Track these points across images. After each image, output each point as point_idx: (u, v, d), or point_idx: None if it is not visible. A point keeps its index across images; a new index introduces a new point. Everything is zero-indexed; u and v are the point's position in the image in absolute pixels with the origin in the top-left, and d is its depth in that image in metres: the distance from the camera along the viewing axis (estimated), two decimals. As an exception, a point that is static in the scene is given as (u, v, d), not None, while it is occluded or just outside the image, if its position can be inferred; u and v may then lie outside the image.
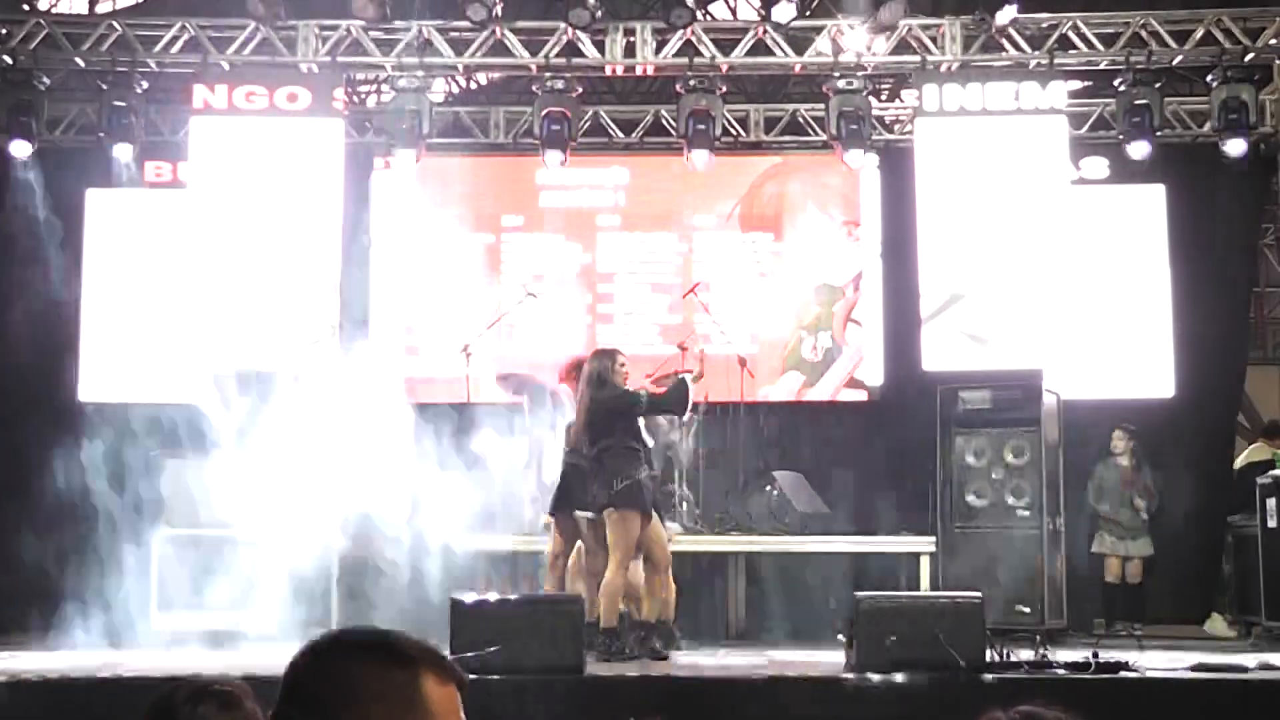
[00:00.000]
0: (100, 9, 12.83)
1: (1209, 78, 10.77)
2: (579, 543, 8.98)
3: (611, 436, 8.34)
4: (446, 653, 1.93)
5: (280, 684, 1.86)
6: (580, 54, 10.99)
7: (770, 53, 11.01)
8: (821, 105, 11.32)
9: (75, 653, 8.55)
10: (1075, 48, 10.91)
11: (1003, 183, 10.89)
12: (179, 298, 11.04)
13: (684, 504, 10.31)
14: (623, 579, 8.24)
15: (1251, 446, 11.46)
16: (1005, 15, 10.57)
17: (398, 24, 10.89)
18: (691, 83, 10.85)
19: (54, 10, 12.87)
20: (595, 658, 7.94)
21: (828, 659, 8.12)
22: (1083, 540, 10.81)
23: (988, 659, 7.30)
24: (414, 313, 12.07)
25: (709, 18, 12.63)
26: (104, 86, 10.82)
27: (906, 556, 10.45)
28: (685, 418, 9.44)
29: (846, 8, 10.93)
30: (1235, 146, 10.66)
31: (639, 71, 11.46)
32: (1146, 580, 10.84)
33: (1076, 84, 11.73)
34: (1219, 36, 10.75)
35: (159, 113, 11.50)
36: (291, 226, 10.93)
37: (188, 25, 10.94)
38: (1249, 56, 10.78)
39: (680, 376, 8.93)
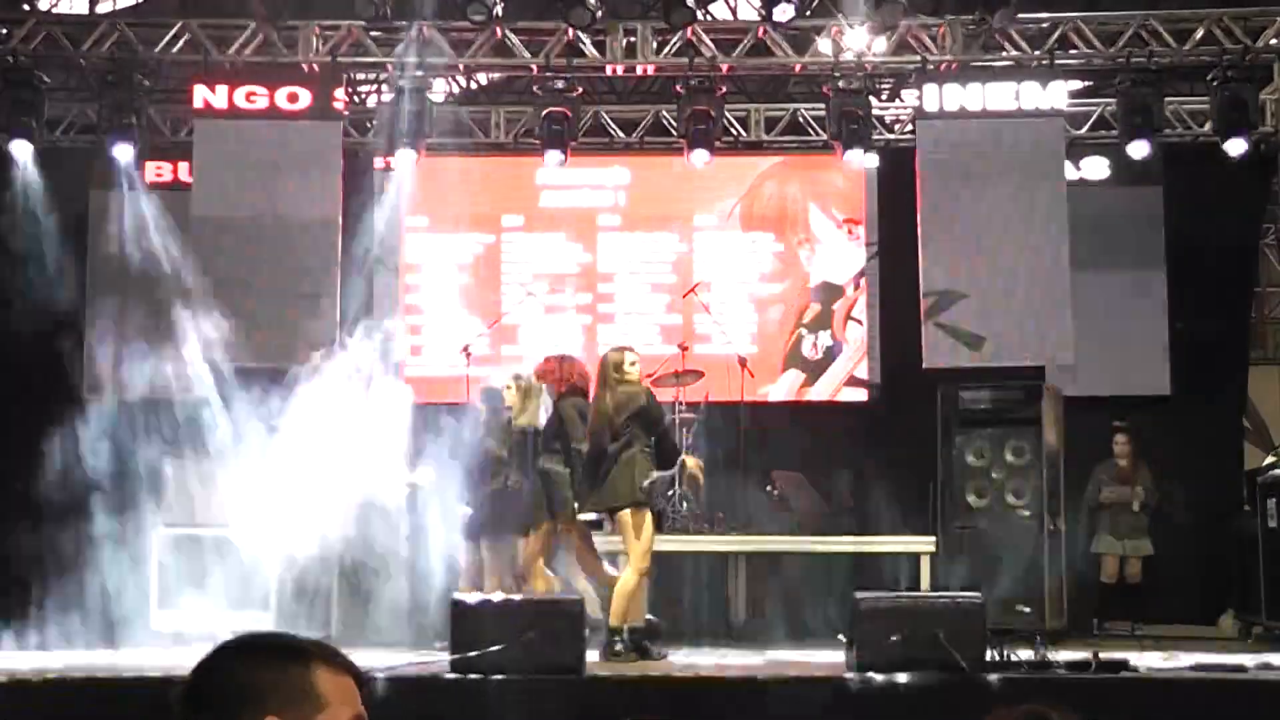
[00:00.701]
0: (100, 9, 12.81)
1: (1209, 77, 10.76)
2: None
3: (633, 436, 8.35)
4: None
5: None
6: (581, 54, 10.98)
7: (770, 53, 11.00)
8: (822, 105, 11.32)
9: (74, 652, 8.55)
10: (1075, 47, 10.90)
11: (1003, 182, 10.87)
12: (180, 296, 11.03)
13: (684, 504, 10.30)
14: (638, 580, 8.25)
15: None
16: (1005, 15, 10.54)
17: (398, 23, 10.87)
18: (692, 83, 10.85)
19: (54, 10, 12.85)
20: (603, 656, 7.98)
21: (828, 659, 8.13)
22: (1083, 540, 10.81)
23: (988, 659, 7.30)
24: (414, 313, 12.08)
25: (709, 18, 12.61)
26: (104, 86, 10.81)
27: (906, 556, 10.44)
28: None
29: (847, 8, 10.92)
30: (1235, 146, 10.65)
31: (639, 71, 11.45)
32: (1146, 580, 10.86)
33: (1076, 84, 11.72)
34: (1219, 36, 10.74)
35: (159, 113, 11.50)
36: (291, 226, 10.91)
37: (188, 25, 10.94)
38: (1249, 56, 10.77)
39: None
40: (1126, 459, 10.88)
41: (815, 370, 12.08)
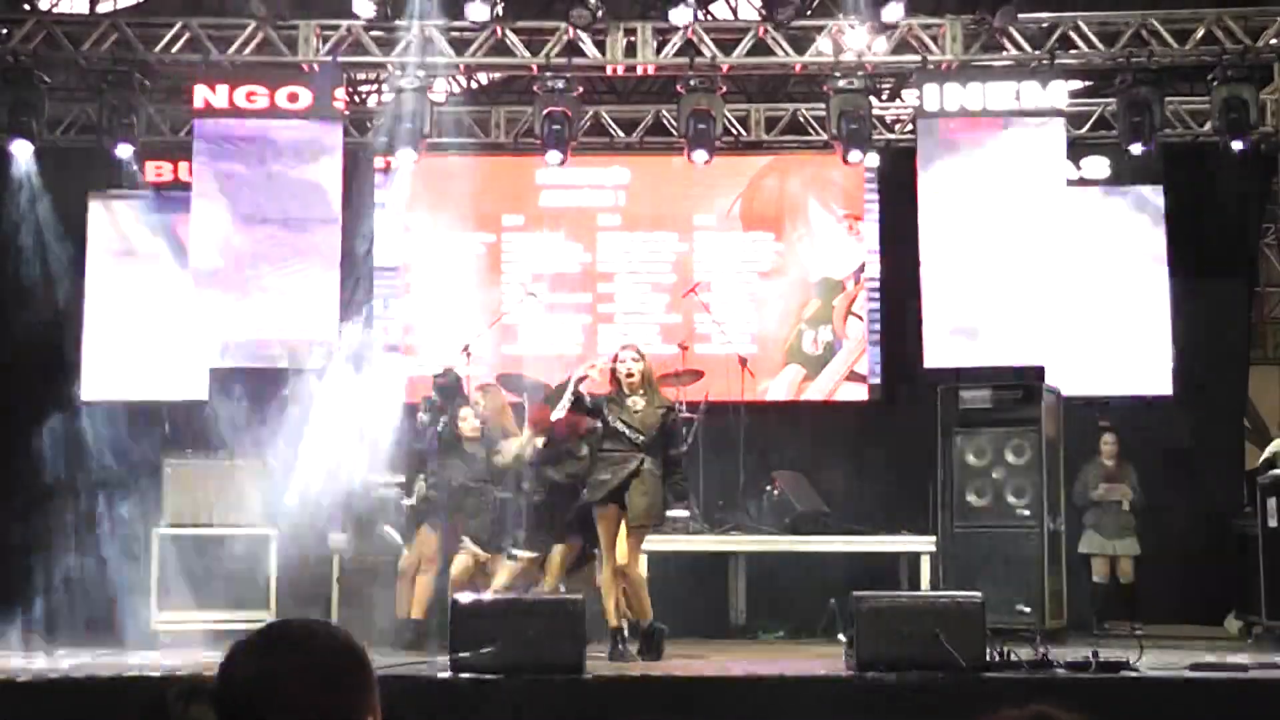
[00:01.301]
0: (101, 8, 12.81)
1: (1209, 77, 10.77)
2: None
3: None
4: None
5: (253, 685, 1.85)
6: (581, 53, 10.99)
7: (770, 52, 11.00)
8: (822, 105, 11.32)
9: (75, 652, 8.55)
10: (1076, 47, 10.90)
11: (1003, 182, 10.87)
12: (180, 296, 11.05)
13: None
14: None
15: (1275, 441, 11.44)
16: (1006, 15, 10.54)
17: (398, 23, 10.88)
18: (692, 82, 10.85)
19: (54, 10, 12.86)
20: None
21: (828, 659, 8.13)
22: (1076, 540, 10.83)
23: (988, 659, 7.30)
24: (414, 312, 12.07)
25: (709, 17, 12.62)
26: (104, 86, 10.81)
27: (906, 556, 10.44)
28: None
29: (847, 7, 10.91)
30: (1237, 144, 10.64)
31: (639, 71, 11.45)
32: (1145, 580, 10.86)
33: (1077, 83, 11.73)
34: (1219, 36, 10.74)
35: (159, 112, 11.50)
36: (291, 225, 10.91)
37: (188, 25, 10.93)
38: (1249, 56, 10.77)
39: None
40: (1113, 459, 10.91)
41: (816, 365, 12.07)
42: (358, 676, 1.87)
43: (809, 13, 11.66)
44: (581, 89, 11.06)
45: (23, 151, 10.86)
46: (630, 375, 8.44)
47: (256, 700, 1.83)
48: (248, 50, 10.91)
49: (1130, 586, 10.84)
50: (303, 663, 1.87)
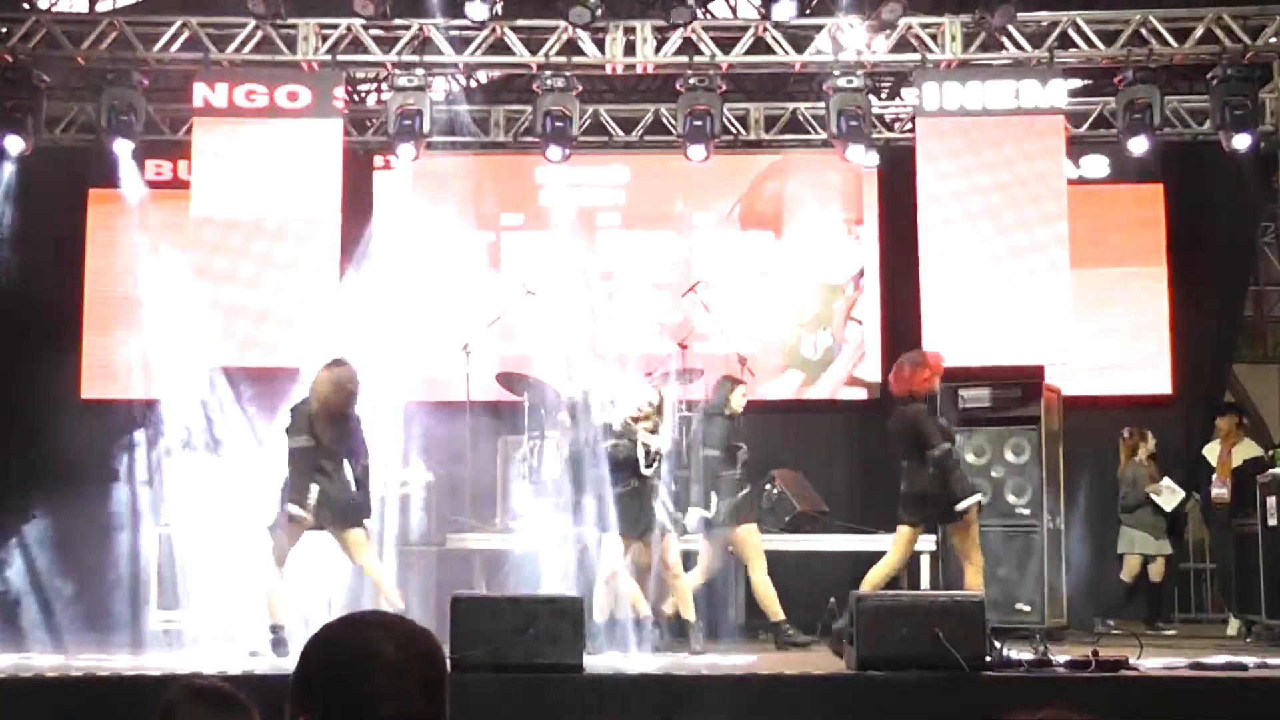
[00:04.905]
0: (100, 7, 12.82)
1: (1209, 76, 10.77)
2: None
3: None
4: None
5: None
6: (580, 52, 10.99)
7: (770, 51, 11.00)
8: (822, 103, 11.31)
9: (74, 651, 8.55)
10: (1075, 46, 10.90)
11: (1003, 181, 10.86)
12: (180, 296, 11.03)
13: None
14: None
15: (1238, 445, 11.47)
16: (1005, 14, 10.54)
17: (398, 22, 10.87)
18: (691, 81, 10.84)
19: (54, 9, 12.85)
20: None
21: (828, 659, 8.13)
22: (1082, 539, 10.82)
23: (988, 659, 7.29)
24: (414, 312, 12.06)
25: (709, 16, 12.62)
26: (104, 84, 10.80)
27: (906, 556, 10.43)
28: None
29: (847, 6, 10.91)
30: (1241, 141, 10.62)
31: (639, 70, 11.45)
32: (1168, 579, 10.90)
33: (1076, 82, 11.72)
34: (1219, 34, 10.74)
35: (159, 111, 11.49)
36: (291, 225, 10.91)
37: (188, 24, 10.93)
38: (1249, 55, 10.77)
39: None
40: (1152, 461, 10.95)
41: (815, 370, 12.06)
42: (441, 660, 1.90)
43: (808, 11, 11.65)
44: (581, 88, 11.05)
45: (20, 150, 10.80)
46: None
47: (348, 670, 1.82)
48: (247, 49, 10.91)
49: (1158, 586, 10.88)
50: (399, 636, 1.87)
